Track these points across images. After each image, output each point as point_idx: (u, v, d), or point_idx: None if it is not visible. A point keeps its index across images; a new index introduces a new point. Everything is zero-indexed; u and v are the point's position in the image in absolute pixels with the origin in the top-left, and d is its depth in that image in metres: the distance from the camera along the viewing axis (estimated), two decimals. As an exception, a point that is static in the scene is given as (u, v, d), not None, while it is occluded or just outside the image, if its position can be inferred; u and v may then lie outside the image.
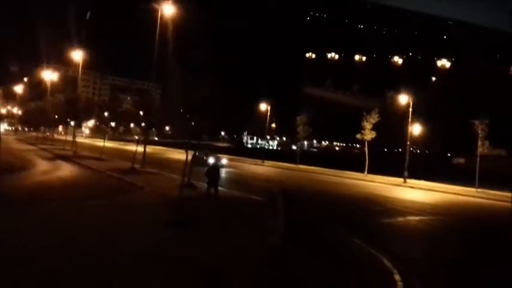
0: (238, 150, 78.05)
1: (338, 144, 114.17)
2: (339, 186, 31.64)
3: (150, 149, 45.03)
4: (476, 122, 32.68)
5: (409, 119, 36.26)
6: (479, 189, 32.34)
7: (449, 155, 79.40)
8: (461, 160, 68.09)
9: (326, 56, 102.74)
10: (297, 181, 32.34)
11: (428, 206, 24.13)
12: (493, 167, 50.63)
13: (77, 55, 48.88)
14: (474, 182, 33.75)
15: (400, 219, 18.52)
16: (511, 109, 60.67)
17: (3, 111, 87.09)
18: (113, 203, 15.93)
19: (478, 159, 33.42)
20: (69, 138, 51.19)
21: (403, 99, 36.82)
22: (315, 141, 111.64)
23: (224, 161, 38.62)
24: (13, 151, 37.31)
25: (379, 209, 21.20)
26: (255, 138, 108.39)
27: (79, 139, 50.11)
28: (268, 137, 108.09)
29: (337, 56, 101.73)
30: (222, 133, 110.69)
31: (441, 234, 16.32)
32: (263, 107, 52.84)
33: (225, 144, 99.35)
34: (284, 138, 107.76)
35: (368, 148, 42.21)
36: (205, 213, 14.80)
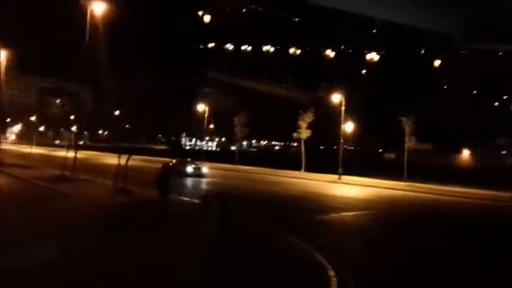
0: (175, 152, 76.64)
1: (277, 143, 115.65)
2: (276, 185, 31.85)
3: (82, 154, 43.12)
4: (404, 119, 34.43)
5: (342, 118, 37.46)
6: (407, 183, 34.08)
7: (381, 150, 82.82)
8: (392, 155, 71.52)
9: (261, 49, 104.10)
10: (235, 181, 32.30)
11: (360, 201, 25.00)
12: (420, 161, 53.95)
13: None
14: (404, 176, 35.51)
15: (334, 215, 18.97)
16: (435, 105, 64.66)
17: None
18: (36, 213, 14.94)
19: (406, 154, 35.21)
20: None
21: (336, 98, 37.99)
22: (254, 141, 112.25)
23: (204, 169, 34.90)
24: None
25: (314, 206, 21.59)
26: (193, 139, 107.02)
27: (3, 146, 46.78)
28: (207, 138, 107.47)
29: (272, 49, 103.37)
30: (159, 135, 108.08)
31: (373, 228, 16.92)
32: (200, 107, 52.34)
33: (162, 147, 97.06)
34: (223, 139, 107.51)
35: (305, 146, 43.10)
36: (139, 218, 14.32)
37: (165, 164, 31.49)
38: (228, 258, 9.96)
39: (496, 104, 76.00)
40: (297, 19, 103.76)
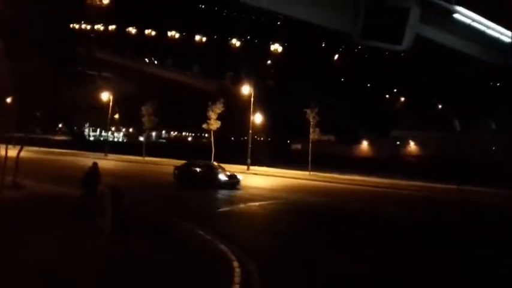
0: (77, 143, 72.41)
1: (189, 134, 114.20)
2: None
3: None
4: (308, 111, 35.82)
5: (251, 109, 37.97)
6: (311, 173, 35.63)
7: (288, 141, 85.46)
8: (299, 146, 74.27)
9: (167, 34, 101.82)
10: (140, 174, 31.29)
11: (268, 191, 25.63)
12: (324, 152, 56.73)
13: None
14: (308, 166, 37.09)
15: (242, 205, 19.22)
16: (337, 96, 68.15)
17: None
18: None
19: (310, 145, 36.76)
20: None
21: (245, 89, 38.39)
22: (164, 132, 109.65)
23: (240, 177, 26.64)
24: None
25: (221, 197, 21.78)
26: (98, 130, 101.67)
27: None
28: (113, 129, 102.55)
29: (177, 35, 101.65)
30: (60, 125, 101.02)
31: (275, 216, 17.43)
32: (104, 96, 49.64)
33: (63, 138, 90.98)
34: (131, 130, 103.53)
35: (214, 137, 43.01)
36: (33, 215, 13.22)
37: (182, 168, 25.94)
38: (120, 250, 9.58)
39: (387, 96, 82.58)
40: (202, 6, 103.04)
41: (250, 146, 38.41)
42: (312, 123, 36.03)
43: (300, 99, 40.00)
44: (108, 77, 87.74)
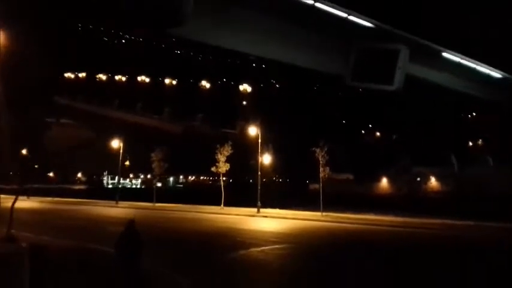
0: (95, 191, 72.83)
1: (208, 178, 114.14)
2: (193, 222, 30.92)
3: None
4: (317, 150, 34.96)
5: (259, 150, 37.37)
6: (324, 213, 34.29)
7: (307, 181, 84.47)
8: (316, 186, 72.94)
9: (136, 79, 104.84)
10: (149, 221, 30.61)
11: (272, 234, 24.57)
12: (341, 191, 55.38)
13: None
14: (327, 206, 35.73)
15: (242, 252, 18.25)
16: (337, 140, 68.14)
17: None
18: None
19: (321, 184, 35.67)
20: None
21: (252, 131, 37.96)
22: (181, 177, 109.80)
23: None
24: None
25: (225, 243, 20.92)
26: (116, 178, 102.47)
27: None
28: (131, 176, 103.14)
29: (147, 79, 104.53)
30: (79, 175, 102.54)
31: (274, 263, 16.43)
32: (115, 143, 49.99)
33: (81, 187, 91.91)
34: (149, 176, 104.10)
35: (229, 180, 42.44)
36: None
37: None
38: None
39: (394, 137, 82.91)
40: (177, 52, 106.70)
41: (259, 187, 37.51)
42: (321, 162, 35.08)
43: (307, 139, 39.45)
44: (66, 123, 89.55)
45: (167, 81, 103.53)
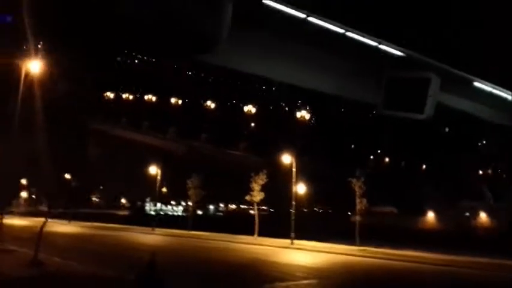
0: (137, 217, 73.86)
1: (248, 206, 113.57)
2: (222, 252, 30.52)
3: (32, 221, 41.22)
4: (353, 180, 33.64)
5: (293, 179, 36.42)
6: (360, 247, 32.63)
7: (349, 213, 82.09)
8: (358, 218, 70.47)
9: (143, 98, 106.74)
10: (181, 249, 30.58)
11: (304, 268, 23.56)
12: (383, 224, 52.96)
13: None
14: (368, 240, 34.04)
15: (267, 286, 17.48)
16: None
17: None
18: None
19: (357, 217, 34.22)
20: None
21: (286, 159, 37.17)
22: (221, 205, 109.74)
23: None
24: None
25: (251, 275, 20.37)
26: (158, 204, 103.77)
27: None
28: (173, 202, 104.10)
29: (154, 99, 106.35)
30: (123, 200, 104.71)
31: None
32: (152, 170, 50.59)
33: (125, 213, 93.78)
34: (190, 203, 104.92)
35: (264, 209, 41.70)
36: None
37: None
38: None
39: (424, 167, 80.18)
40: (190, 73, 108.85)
41: (293, 218, 36.35)
42: (357, 193, 33.64)
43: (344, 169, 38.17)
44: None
45: (173, 100, 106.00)
